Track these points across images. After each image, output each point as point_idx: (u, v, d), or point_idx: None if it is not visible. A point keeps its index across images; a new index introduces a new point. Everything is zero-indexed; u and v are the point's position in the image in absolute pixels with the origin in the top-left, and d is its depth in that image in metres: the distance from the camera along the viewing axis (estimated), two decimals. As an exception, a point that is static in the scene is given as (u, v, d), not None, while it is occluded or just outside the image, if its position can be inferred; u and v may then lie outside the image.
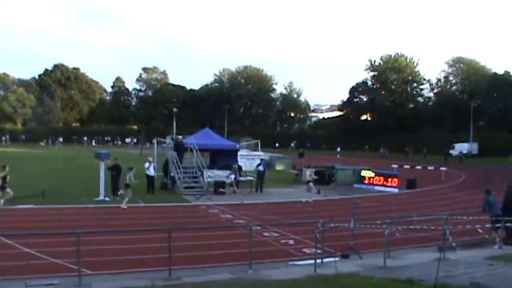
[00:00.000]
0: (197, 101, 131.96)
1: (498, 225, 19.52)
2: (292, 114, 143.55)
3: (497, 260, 16.38)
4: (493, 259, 16.74)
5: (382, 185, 40.32)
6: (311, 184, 34.23)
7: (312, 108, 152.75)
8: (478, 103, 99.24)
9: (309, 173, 35.67)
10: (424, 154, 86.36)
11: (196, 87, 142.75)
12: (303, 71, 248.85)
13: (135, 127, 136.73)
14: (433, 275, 10.13)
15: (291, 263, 16.31)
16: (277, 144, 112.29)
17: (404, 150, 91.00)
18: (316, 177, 37.19)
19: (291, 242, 19.50)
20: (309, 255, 16.88)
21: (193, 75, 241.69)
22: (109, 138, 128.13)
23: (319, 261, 15.10)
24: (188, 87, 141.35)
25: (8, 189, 26.45)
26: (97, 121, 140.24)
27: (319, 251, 15.39)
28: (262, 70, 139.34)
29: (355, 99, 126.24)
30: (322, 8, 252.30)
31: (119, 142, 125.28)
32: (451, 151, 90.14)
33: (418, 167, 55.58)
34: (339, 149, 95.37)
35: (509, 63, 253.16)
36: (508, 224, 19.82)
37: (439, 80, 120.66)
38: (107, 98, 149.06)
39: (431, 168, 55.54)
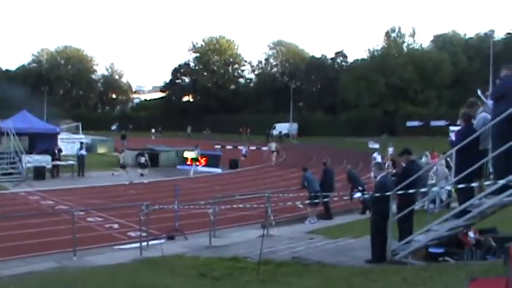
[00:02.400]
0: (14, 82, 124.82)
1: (316, 200, 20.67)
2: (114, 96, 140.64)
3: (316, 234, 17.36)
4: (313, 233, 17.72)
5: (205, 166, 40.88)
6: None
7: (134, 90, 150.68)
8: (297, 85, 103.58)
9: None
10: (248, 135, 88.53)
11: (13, 67, 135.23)
12: (125, 52, 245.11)
13: None
14: (258, 251, 10.53)
15: (116, 247, 16.17)
16: (113, 127, 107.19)
17: (239, 131, 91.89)
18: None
19: (116, 226, 19.33)
20: (134, 238, 16.85)
21: (8, 55, 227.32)
22: None
23: (144, 244, 15.16)
24: (3, 68, 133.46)
25: None
26: None
27: (144, 234, 15.43)
28: (83, 50, 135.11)
29: (178, 81, 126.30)
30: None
31: None
32: (272, 131, 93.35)
33: (241, 147, 56.95)
34: (153, 130, 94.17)
35: (326, 48, 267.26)
36: (325, 200, 21.08)
37: (260, 62, 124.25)
38: None
39: (253, 148, 57.06)
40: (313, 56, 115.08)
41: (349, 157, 47.15)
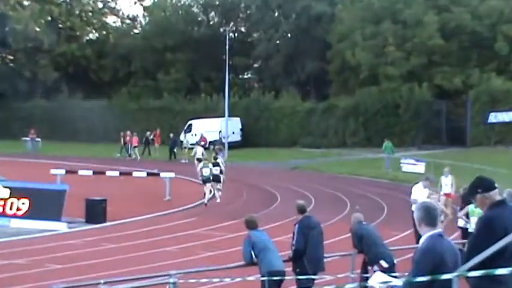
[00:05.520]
0: None
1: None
2: None
3: None
4: None
5: (27, 217, 39.74)
6: None
7: None
8: (241, 32, 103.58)
9: None
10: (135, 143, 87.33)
11: None
12: None
13: None
14: None
15: None
16: None
17: (146, 137, 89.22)
18: None
19: None
20: None
21: None
22: None
23: None
24: None
25: None
26: None
27: None
28: None
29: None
30: None
31: None
32: (183, 138, 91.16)
33: (112, 174, 55.50)
34: None
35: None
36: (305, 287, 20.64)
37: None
38: None
39: (143, 174, 55.29)
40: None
41: (355, 193, 46.76)
